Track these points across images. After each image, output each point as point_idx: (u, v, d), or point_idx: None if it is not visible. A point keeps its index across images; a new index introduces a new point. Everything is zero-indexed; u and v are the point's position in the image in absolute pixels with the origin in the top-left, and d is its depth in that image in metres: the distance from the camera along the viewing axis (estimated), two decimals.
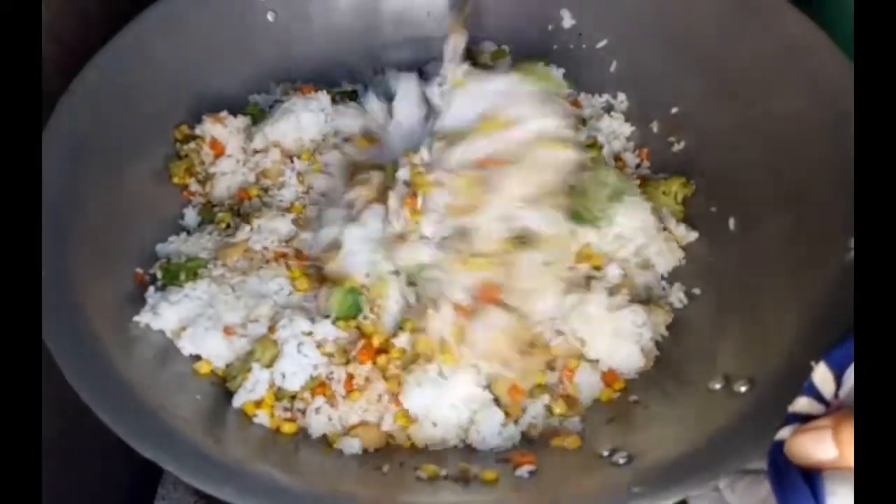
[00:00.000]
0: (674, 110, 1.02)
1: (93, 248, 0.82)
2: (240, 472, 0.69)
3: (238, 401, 0.80)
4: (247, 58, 1.07)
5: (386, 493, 0.75)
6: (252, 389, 0.81)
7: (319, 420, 0.81)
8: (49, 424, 0.52)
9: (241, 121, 1.01)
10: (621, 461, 0.72)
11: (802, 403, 0.51)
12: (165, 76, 0.98)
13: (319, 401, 0.81)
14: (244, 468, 0.70)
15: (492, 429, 0.81)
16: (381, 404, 0.82)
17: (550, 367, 0.85)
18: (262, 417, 0.80)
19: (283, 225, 0.94)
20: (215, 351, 0.83)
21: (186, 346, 0.83)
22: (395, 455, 0.80)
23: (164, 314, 0.83)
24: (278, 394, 0.82)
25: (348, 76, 1.12)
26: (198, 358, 0.83)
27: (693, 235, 0.95)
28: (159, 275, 0.88)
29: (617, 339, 0.85)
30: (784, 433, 0.50)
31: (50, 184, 0.78)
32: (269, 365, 0.82)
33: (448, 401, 0.81)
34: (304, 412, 0.81)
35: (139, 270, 0.88)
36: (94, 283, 0.80)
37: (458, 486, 0.75)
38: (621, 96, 1.08)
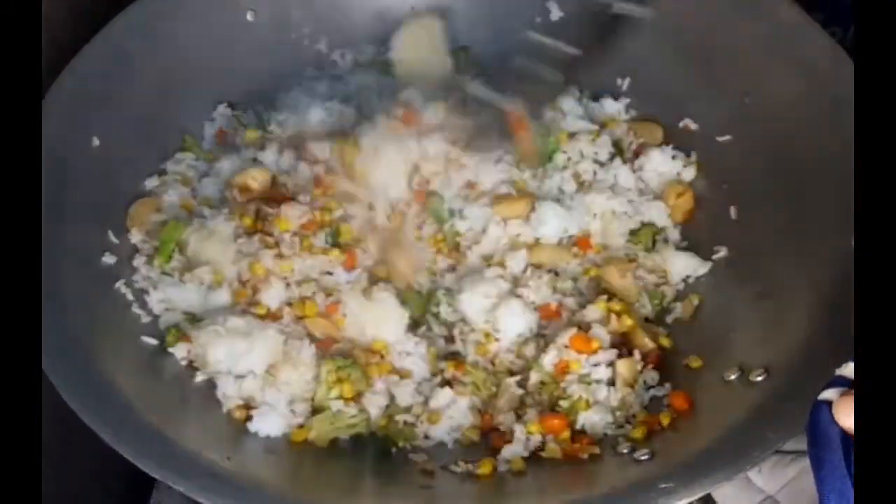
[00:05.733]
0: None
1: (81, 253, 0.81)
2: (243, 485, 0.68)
3: None
4: (225, 57, 1.03)
5: None
6: None
7: None
8: (43, 430, 0.51)
9: None
10: (643, 458, 0.71)
11: (852, 369, 0.51)
12: (144, 78, 0.94)
13: None
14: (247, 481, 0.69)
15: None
16: None
17: None
18: None
19: None
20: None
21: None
22: None
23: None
24: None
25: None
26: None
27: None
28: None
29: None
30: (829, 394, 0.49)
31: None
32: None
33: None
34: None
35: None
36: (85, 290, 0.79)
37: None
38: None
